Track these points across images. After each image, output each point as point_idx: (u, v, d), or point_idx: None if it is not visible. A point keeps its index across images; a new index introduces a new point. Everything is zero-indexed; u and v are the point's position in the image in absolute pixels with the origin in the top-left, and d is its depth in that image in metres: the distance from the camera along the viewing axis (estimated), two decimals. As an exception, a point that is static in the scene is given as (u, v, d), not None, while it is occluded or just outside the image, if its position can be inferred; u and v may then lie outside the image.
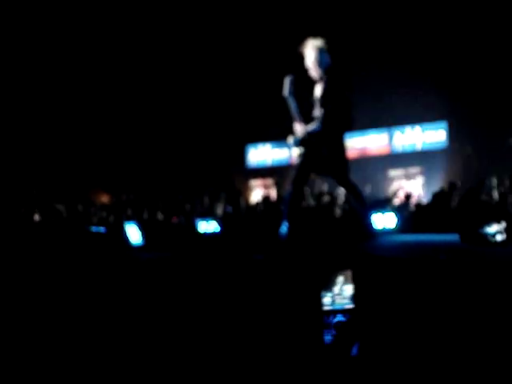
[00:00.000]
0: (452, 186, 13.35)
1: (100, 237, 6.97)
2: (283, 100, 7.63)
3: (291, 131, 7.69)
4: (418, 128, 19.56)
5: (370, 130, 20.03)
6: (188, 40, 20.13)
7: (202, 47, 20.05)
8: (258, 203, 15.76)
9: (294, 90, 7.61)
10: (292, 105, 7.65)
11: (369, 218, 9.12)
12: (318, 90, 7.60)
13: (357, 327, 3.53)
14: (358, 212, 8.02)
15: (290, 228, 7.64)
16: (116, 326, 5.04)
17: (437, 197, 13.72)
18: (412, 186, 18.95)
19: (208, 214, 12.37)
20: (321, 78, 7.59)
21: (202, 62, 20.31)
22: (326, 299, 3.58)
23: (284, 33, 16.73)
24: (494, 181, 12.77)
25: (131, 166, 20.98)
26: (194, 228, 10.72)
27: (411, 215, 12.59)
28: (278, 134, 20.39)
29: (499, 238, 5.78)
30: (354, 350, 3.53)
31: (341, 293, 3.58)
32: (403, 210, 12.58)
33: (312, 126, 7.58)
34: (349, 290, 3.62)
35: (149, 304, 5.24)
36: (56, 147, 20.40)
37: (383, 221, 10.33)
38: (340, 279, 3.62)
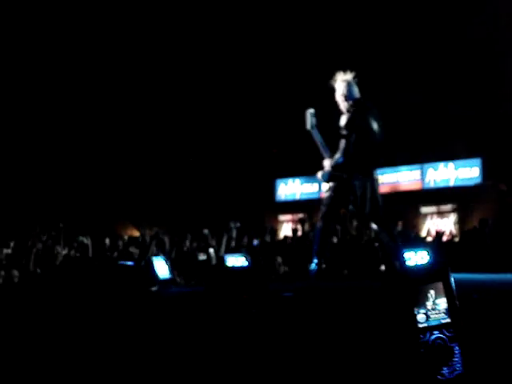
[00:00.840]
0: (483, 223, 13.06)
1: (128, 270, 6.87)
2: (310, 135, 7.56)
3: (321, 166, 7.58)
4: (451, 165, 19.35)
5: (402, 166, 19.87)
6: (218, 77, 20.18)
7: (233, 83, 20.09)
8: (286, 237, 15.59)
9: (317, 123, 7.52)
10: (316, 138, 7.56)
11: (401, 255, 8.92)
12: (343, 121, 7.50)
13: (456, 342, 3.26)
14: (389, 249, 7.81)
15: (319, 265, 7.46)
16: (140, 358, 4.95)
17: (468, 235, 13.46)
18: (444, 224, 18.69)
19: (237, 249, 12.21)
20: (348, 111, 7.50)
21: (232, 98, 20.34)
22: (420, 316, 3.31)
23: (315, 68, 16.71)
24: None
25: (159, 200, 20.94)
26: (222, 262, 10.56)
27: (443, 253, 12.33)
28: (307, 169, 20.46)
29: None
30: (457, 368, 3.27)
31: (435, 307, 3.31)
32: (436, 248, 12.33)
33: (335, 158, 7.46)
34: (443, 303, 3.35)
35: (175, 338, 5.14)
36: (83, 180, 20.41)
37: (415, 259, 10.11)
38: (432, 293, 3.37)
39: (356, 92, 7.55)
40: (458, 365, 3.18)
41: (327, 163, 7.50)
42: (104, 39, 19.47)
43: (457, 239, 15.12)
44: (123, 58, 19.68)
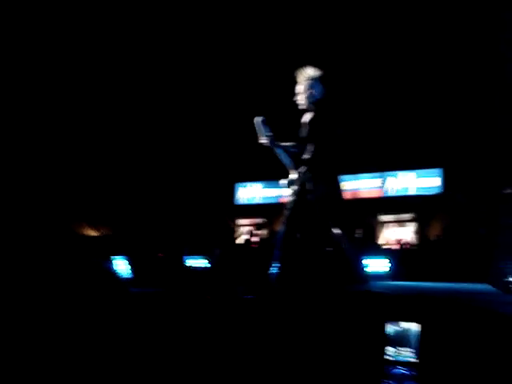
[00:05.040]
0: (447, 232, 13.20)
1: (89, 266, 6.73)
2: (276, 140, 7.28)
3: (282, 171, 7.44)
4: (412, 174, 19.48)
5: (363, 174, 19.94)
6: (177, 78, 20.09)
7: (191, 85, 20.02)
8: (246, 240, 15.61)
9: (271, 129, 7.25)
10: (273, 146, 7.30)
11: (361, 262, 8.93)
12: (306, 120, 7.23)
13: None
14: (348, 255, 7.75)
15: (280, 269, 7.38)
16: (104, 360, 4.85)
17: (429, 244, 13.59)
18: (404, 232, 18.82)
19: (197, 251, 12.16)
20: (308, 109, 7.26)
21: (191, 100, 20.25)
22: (390, 349, 3.27)
23: (274, 70, 16.74)
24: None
25: (119, 201, 20.75)
26: (182, 263, 10.53)
27: (402, 261, 12.40)
28: (267, 174, 20.49)
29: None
30: None
31: (406, 345, 3.27)
32: (395, 256, 12.40)
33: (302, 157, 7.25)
34: (414, 342, 3.30)
35: (138, 340, 5.05)
36: (39, 180, 20.09)
37: (375, 265, 10.18)
38: (406, 331, 3.31)
39: (320, 91, 7.34)
40: None
41: (293, 174, 7.32)
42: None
43: (416, 248, 15.26)
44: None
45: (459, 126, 16.95)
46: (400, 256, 12.96)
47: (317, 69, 7.29)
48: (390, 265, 10.42)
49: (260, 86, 18.61)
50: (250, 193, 22.80)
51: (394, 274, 10.61)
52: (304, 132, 7.19)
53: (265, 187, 22.32)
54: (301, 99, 7.27)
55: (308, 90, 7.22)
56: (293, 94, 7.32)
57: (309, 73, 7.27)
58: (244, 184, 22.87)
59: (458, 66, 16.91)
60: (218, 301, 5.38)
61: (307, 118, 7.21)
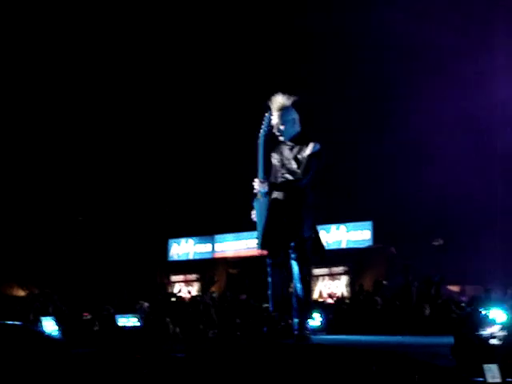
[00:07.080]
0: (377, 285, 13.28)
1: (16, 330, 6.54)
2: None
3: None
4: (343, 227, 19.63)
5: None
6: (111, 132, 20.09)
7: (126, 139, 20.03)
8: (179, 297, 15.45)
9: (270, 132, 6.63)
10: (260, 151, 6.50)
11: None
12: (291, 152, 6.47)
13: None
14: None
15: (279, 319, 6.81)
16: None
17: (358, 296, 13.64)
18: (336, 286, 18.91)
19: (128, 309, 11.96)
20: (288, 141, 6.56)
21: (123, 156, 20.24)
22: None
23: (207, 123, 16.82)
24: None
25: (47, 261, 20.41)
26: (113, 323, 10.35)
27: (335, 315, 12.40)
28: (201, 229, 20.44)
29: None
30: None
31: None
32: (328, 310, 12.43)
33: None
34: None
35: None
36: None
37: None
38: None
39: (296, 118, 6.42)
40: None
41: (257, 184, 6.50)
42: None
43: (348, 301, 15.30)
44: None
45: (387, 180, 17.26)
46: (332, 310, 13.02)
47: (288, 95, 6.53)
48: (321, 319, 10.40)
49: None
50: (183, 249, 22.67)
51: (326, 328, 10.62)
52: (285, 160, 6.49)
53: (198, 243, 22.23)
54: (276, 127, 6.49)
55: (283, 118, 6.43)
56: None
57: (280, 101, 6.51)
58: (177, 240, 22.75)
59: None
60: (148, 360, 5.31)
61: (310, 148, 6.43)
